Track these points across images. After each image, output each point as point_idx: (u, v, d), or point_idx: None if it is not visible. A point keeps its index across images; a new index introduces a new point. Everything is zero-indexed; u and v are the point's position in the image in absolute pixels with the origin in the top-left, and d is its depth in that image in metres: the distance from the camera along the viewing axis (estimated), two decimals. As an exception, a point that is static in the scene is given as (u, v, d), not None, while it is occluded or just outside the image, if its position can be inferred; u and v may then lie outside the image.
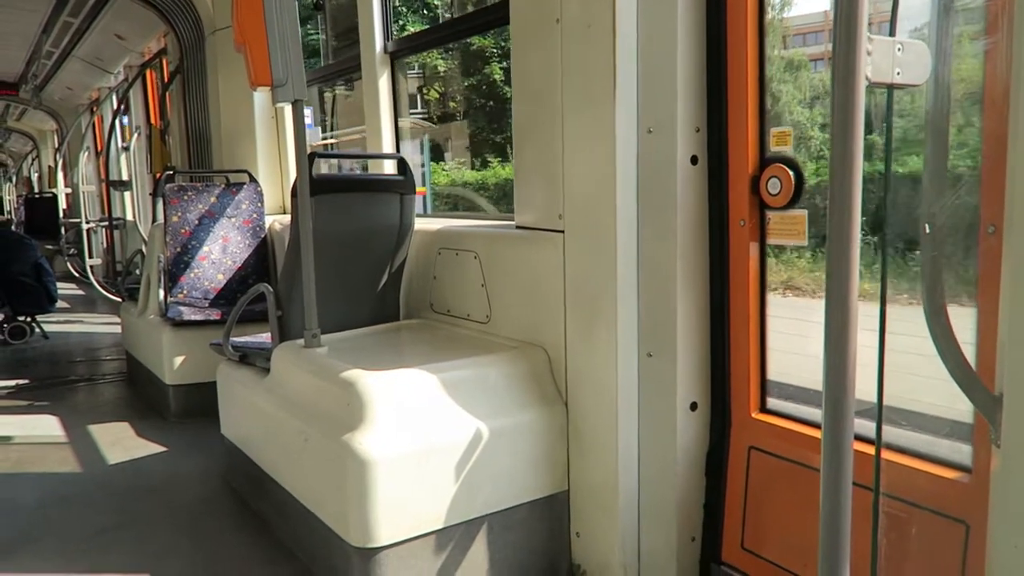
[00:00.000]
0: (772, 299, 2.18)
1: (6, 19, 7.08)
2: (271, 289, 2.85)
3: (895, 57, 1.09)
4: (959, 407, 1.64)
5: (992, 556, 1.35)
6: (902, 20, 1.14)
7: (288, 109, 2.59)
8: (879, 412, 1.32)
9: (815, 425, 2.00)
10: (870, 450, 1.42)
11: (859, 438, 1.37)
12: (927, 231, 1.23)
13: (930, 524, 1.72)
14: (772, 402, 2.19)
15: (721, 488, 2.22)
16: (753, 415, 2.17)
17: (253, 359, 2.97)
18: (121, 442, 3.83)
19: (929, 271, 1.27)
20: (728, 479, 2.21)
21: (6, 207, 18.46)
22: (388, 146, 3.96)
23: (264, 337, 3.06)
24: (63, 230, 10.37)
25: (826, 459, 1.13)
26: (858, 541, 1.26)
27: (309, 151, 2.64)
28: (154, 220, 5.00)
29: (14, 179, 18.22)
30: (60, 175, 10.55)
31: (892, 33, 1.14)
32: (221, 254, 4.43)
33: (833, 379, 1.10)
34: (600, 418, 2.27)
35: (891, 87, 1.13)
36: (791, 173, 1.99)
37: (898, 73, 1.09)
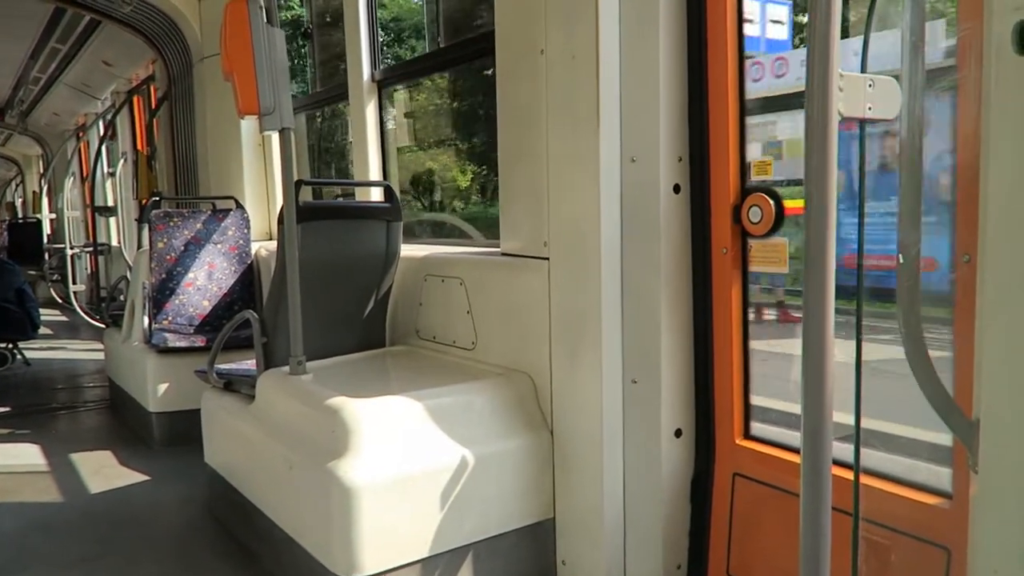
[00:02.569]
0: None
1: (-7, 45, 7.11)
2: (256, 316, 2.84)
3: (866, 93, 1.12)
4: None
5: (973, 582, 1.36)
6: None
7: (275, 137, 2.61)
8: (856, 437, 1.34)
9: (799, 451, 2.02)
10: (852, 476, 1.43)
11: (842, 464, 1.39)
12: (901, 261, 1.26)
13: (912, 550, 1.73)
14: (756, 428, 2.20)
15: (706, 515, 2.23)
16: (737, 441, 2.18)
17: (238, 386, 2.96)
18: (103, 470, 3.79)
19: (905, 300, 1.29)
20: (713, 506, 2.22)
21: (-11, 232, 18.29)
22: (375, 173, 3.98)
23: (249, 364, 3.05)
24: (47, 255, 10.29)
25: (805, 484, 1.14)
26: (841, 567, 1.27)
27: (296, 179, 2.66)
28: (139, 246, 4.99)
29: (-3, 204, 18.10)
30: (45, 200, 10.52)
31: (863, 70, 1.18)
32: (207, 280, 4.42)
33: (811, 404, 1.12)
34: (585, 445, 2.28)
35: (863, 122, 1.17)
36: (771, 202, 2.03)
37: (869, 108, 1.13)
